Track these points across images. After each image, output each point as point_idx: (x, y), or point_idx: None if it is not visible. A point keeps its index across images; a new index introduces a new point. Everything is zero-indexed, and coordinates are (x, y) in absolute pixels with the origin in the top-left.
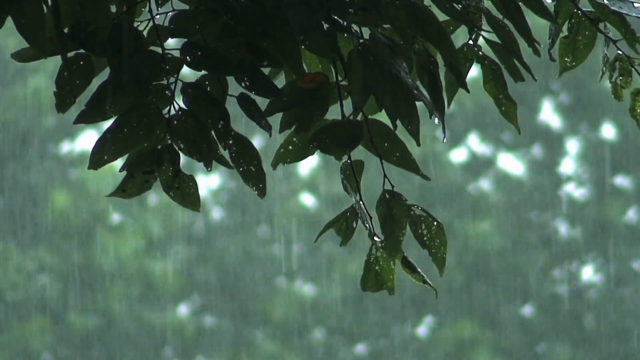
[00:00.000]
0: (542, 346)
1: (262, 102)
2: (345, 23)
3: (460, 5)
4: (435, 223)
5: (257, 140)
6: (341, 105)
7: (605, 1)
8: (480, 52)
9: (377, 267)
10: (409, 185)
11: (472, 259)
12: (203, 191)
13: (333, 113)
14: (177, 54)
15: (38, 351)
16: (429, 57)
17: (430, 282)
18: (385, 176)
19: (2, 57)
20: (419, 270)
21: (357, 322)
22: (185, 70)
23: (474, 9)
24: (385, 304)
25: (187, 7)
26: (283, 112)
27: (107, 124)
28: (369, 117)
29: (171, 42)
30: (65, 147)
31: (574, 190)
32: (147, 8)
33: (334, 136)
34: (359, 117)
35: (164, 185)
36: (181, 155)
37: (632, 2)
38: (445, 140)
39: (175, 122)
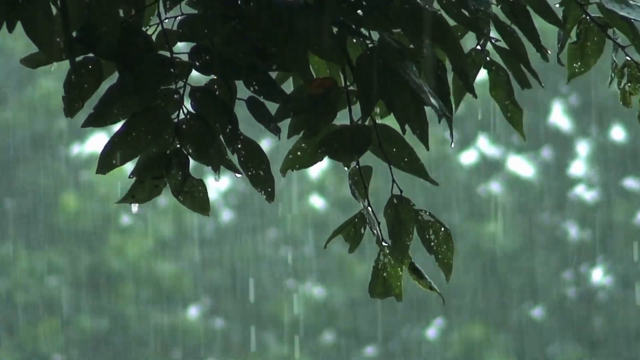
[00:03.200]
0: (552, 347)
1: (271, 106)
2: (354, 27)
3: (468, 11)
4: (442, 229)
5: (266, 144)
6: (350, 111)
7: (614, 7)
8: (488, 58)
9: (384, 274)
10: (418, 188)
11: (482, 260)
12: (213, 193)
13: (341, 118)
14: (185, 58)
15: (49, 353)
16: (437, 61)
17: (437, 289)
18: (393, 181)
19: (12, 60)
20: (426, 276)
21: (367, 324)
22: (194, 74)
23: (483, 15)
24: (395, 306)
25: (195, 11)
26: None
27: (116, 126)
28: (377, 122)
29: (180, 46)
30: (76, 149)
31: (583, 193)
32: (156, 12)
33: (342, 141)
34: (367, 122)
35: (173, 189)
36: (190, 159)
37: None
38: (453, 145)
39: (183, 126)
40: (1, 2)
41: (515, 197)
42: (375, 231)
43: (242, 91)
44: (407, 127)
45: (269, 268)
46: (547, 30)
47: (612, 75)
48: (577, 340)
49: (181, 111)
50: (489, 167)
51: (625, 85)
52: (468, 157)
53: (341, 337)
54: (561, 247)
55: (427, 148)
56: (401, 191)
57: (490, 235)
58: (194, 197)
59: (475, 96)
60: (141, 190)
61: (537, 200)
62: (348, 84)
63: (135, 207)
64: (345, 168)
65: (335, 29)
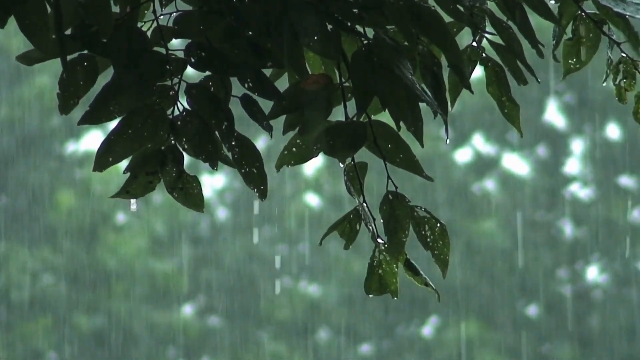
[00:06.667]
0: (547, 346)
1: (265, 103)
2: (349, 24)
3: (463, 7)
4: (438, 224)
5: (261, 141)
6: (345, 107)
7: (609, 3)
8: (483, 54)
9: (380, 271)
10: (413, 185)
11: (476, 258)
12: (208, 191)
13: (337, 114)
14: (180, 54)
15: (43, 351)
16: (432, 58)
17: (432, 285)
18: (388, 177)
19: (7, 57)
20: (422, 272)
21: (362, 323)
22: (189, 71)
23: (478, 11)
24: (390, 304)
25: (190, 7)
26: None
27: (112, 124)
28: (372, 118)
29: (175, 43)
30: (71, 147)
31: (578, 190)
32: (151, 9)
33: (337, 138)
34: (363, 119)
35: (167, 186)
36: (185, 155)
37: (637, 5)
38: (448, 142)
39: (179, 122)
40: None
41: (510, 195)
42: (370, 227)
43: (239, 89)
44: (401, 124)
45: (264, 266)
46: (542, 27)
47: (608, 71)
48: (572, 339)
49: (176, 108)
50: (484, 165)
51: (621, 82)
52: (463, 155)
53: (336, 335)
54: (556, 245)
55: (422, 145)
56: (396, 187)
57: (484, 233)
58: (188, 193)
59: (472, 92)
60: (135, 185)
61: (532, 198)
62: (343, 80)
63: (133, 206)
64: (341, 164)
65: (330, 26)
